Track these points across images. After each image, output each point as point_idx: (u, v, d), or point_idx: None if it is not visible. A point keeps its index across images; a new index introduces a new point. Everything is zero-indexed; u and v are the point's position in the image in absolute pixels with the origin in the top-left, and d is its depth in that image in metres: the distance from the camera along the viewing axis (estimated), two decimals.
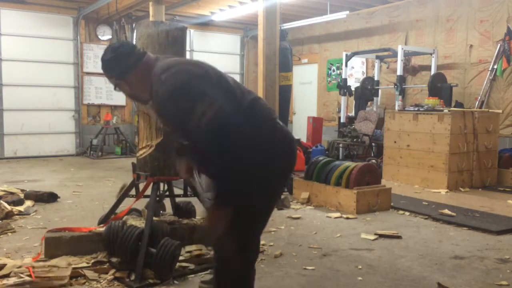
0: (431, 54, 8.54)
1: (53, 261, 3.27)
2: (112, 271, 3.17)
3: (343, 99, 9.59)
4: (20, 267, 3.15)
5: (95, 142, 10.21)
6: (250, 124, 2.02)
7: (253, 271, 2.24)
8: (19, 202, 5.15)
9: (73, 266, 3.18)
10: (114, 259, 3.24)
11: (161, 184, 3.62)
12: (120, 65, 2.10)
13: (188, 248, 3.47)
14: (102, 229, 3.46)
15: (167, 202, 4.12)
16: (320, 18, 9.81)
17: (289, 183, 6.06)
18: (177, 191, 3.93)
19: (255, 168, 2.02)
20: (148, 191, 3.51)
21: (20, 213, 4.87)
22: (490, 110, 7.18)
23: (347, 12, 9.39)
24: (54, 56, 10.06)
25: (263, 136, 2.06)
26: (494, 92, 7.93)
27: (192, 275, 3.22)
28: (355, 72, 10.56)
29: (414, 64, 9.13)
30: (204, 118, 1.87)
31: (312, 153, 8.60)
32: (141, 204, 3.79)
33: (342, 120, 9.51)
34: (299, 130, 11.64)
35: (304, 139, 10.05)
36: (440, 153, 6.42)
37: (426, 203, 5.53)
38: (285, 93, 7.29)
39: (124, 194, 3.83)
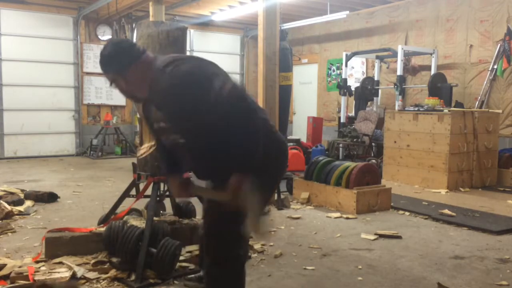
0: (431, 54, 8.54)
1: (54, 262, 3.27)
2: (113, 271, 3.17)
3: (343, 99, 9.59)
4: (20, 267, 3.15)
5: (95, 142, 10.22)
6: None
7: (244, 271, 2.24)
8: (19, 202, 5.15)
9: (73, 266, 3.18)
10: (114, 259, 3.24)
11: (162, 184, 3.62)
12: (118, 60, 2.08)
13: (188, 248, 3.47)
14: (102, 229, 3.47)
15: (167, 202, 4.12)
16: (320, 18, 9.81)
17: (289, 183, 6.07)
18: None
19: (269, 161, 2.08)
20: (149, 191, 3.51)
21: (20, 213, 4.87)
22: (490, 110, 7.18)
23: (347, 12, 9.39)
24: (54, 56, 10.05)
25: (274, 136, 2.18)
26: (494, 92, 7.93)
27: (193, 275, 3.22)
28: (355, 72, 10.56)
29: (414, 64, 9.13)
30: (223, 91, 1.89)
31: (312, 153, 8.60)
32: (141, 204, 3.80)
33: (342, 120, 9.50)
34: (299, 130, 11.64)
35: (304, 139, 10.05)
36: (440, 153, 6.42)
37: (426, 203, 5.53)
38: (285, 93, 7.29)
39: (124, 194, 3.83)
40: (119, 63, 2.08)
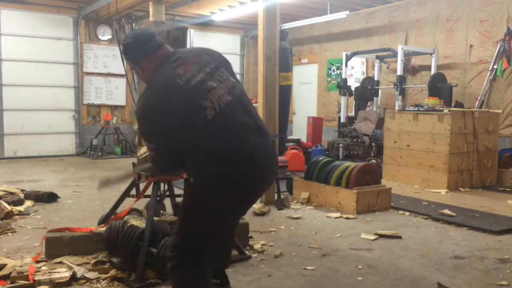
0: (431, 54, 8.54)
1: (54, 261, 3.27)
2: (113, 271, 3.17)
3: (343, 99, 9.59)
4: (20, 267, 3.15)
5: (95, 142, 10.22)
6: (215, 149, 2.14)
7: (202, 271, 2.26)
8: (19, 202, 5.15)
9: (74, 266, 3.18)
10: (114, 259, 3.24)
11: (162, 184, 3.62)
12: (136, 50, 2.25)
13: None
14: (102, 229, 3.47)
15: (167, 202, 4.12)
16: (320, 18, 9.81)
17: (289, 183, 6.07)
18: (178, 191, 3.93)
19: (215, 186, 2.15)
20: (149, 191, 3.51)
21: (20, 213, 4.87)
22: (490, 110, 7.18)
23: (347, 12, 9.38)
24: (54, 56, 10.05)
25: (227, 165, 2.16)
26: (494, 92, 7.93)
27: None
28: (355, 72, 10.55)
29: (414, 64, 9.13)
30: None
31: (312, 153, 8.60)
32: (142, 204, 3.80)
33: (342, 120, 9.51)
34: (299, 130, 11.64)
35: (304, 139, 10.05)
36: (440, 153, 6.42)
37: (426, 203, 5.53)
38: (285, 93, 7.31)
39: (124, 194, 3.83)
40: (135, 53, 2.26)
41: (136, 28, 2.46)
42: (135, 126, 3.80)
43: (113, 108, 10.84)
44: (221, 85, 2.21)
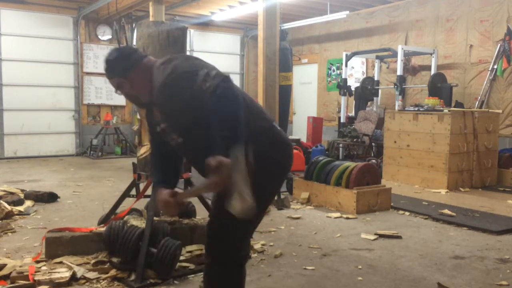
0: (431, 54, 8.54)
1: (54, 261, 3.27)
2: (113, 271, 3.17)
3: (343, 99, 9.59)
4: (20, 267, 3.15)
5: (95, 142, 10.22)
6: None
7: (244, 271, 2.22)
8: (19, 202, 5.15)
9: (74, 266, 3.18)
10: (114, 259, 3.24)
11: None
12: (123, 63, 2.20)
13: (188, 248, 3.47)
14: (102, 229, 3.47)
15: None
16: (320, 18, 9.81)
17: (289, 183, 6.07)
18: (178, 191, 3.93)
19: (264, 158, 2.02)
20: (149, 191, 3.51)
21: (20, 213, 4.87)
22: (490, 110, 7.18)
23: (347, 12, 9.39)
24: (54, 56, 10.06)
25: (272, 132, 2.14)
26: (494, 92, 7.93)
27: (193, 275, 3.22)
28: (355, 72, 10.56)
29: (414, 64, 9.13)
30: (211, 81, 1.86)
31: (312, 153, 8.60)
32: (142, 204, 3.80)
33: (342, 120, 9.51)
34: (299, 130, 11.64)
35: (304, 139, 10.05)
36: (440, 153, 6.42)
37: (426, 203, 5.53)
38: (285, 93, 7.30)
39: (124, 194, 3.83)
40: (122, 66, 2.20)
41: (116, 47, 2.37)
42: (135, 127, 3.80)
43: (113, 108, 10.84)
44: None
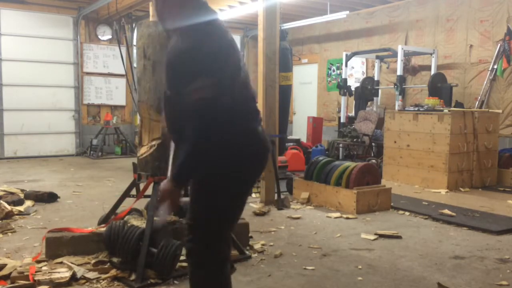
0: (431, 54, 8.54)
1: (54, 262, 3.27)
2: (113, 271, 3.17)
3: (343, 99, 9.59)
4: (20, 267, 3.15)
5: (95, 142, 10.22)
6: (235, 123, 2.09)
7: (226, 273, 2.21)
8: (19, 202, 5.15)
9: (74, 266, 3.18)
10: (115, 259, 3.24)
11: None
12: None
13: None
14: (102, 229, 3.47)
15: None
16: (320, 18, 9.81)
17: (289, 183, 6.07)
18: None
19: (224, 165, 2.09)
20: (149, 191, 3.51)
21: (20, 213, 4.87)
22: (490, 110, 7.19)
23: (347, 12, 9.38)
24: (54, 56, 10.06)
25: (242, 139, 2.13)
26: (494, 92, 7.93)
27: None
28: (355, 72, 10.56)
29: (414, 64, 9.13)
30: (197, 94, 1.95)
31: (312, 153, 8.60)
32: (142, 204, 3.80)
33: (342, 120, 9.51)
34: (299, 130, 11.64)
35: (304, 139, 10.05)
36: (440, 153, 6.42)
37: (426, 203, 5.53)
38: (285, 93, 7.31)
39: (124, 194, 3.83)
40: None
41: None
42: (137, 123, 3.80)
43: (113, 108, 10.84)
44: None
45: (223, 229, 2.19)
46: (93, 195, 6.00)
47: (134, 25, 10.71)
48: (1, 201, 4.80)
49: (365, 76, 10.22)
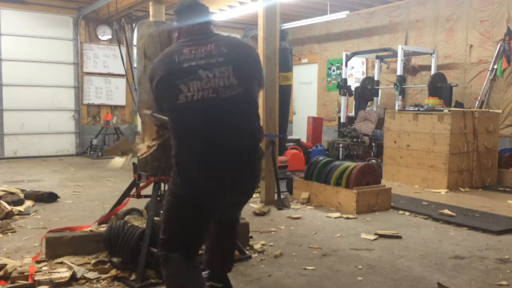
0: (431, 54, 8.54)
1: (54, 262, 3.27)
2: (113, 271, 3.17)
3: (343, 99, 9.59)
4: (20, 267, 3.15)
5: (95, 142, 10.21)
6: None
7: (181, 266, 2.36)
8: (19, 202, 5.15)
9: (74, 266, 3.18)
10: (115, 259, 3.24)
11: (162, 184, 3.62)
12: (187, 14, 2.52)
13: None
14: (102, 229, 3.47)
15: None
16: (320, 18, 9.81)
17: (289, 183, 6.07)
18: None
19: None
20: (149, 191, 3.50)
21: (20, 213, 4.87)
22: (490, 110, 7.18)
23: (347, 12, 9.38)
24: (54, 56, 10.05)
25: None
26: (494, 92, 7.93)
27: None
28: (355, 72, 10.56)
29: (414, 64, 9.13)
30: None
31: (312, 153, 8.60)
32: (142, 204, 3.80)
33: (342, 120, 9.51)
34: (299, 130, 11.64)
35: (304, 139, 10.05)
36: (440, 153, 6.42)
37: (426, 203, 5.53)
38: (285, 93, 7.30)
39: (124, 194, 3.83)
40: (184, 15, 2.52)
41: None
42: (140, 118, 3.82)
43: (113, 108, 10.84)
44: (212, 80, 2.26)
45: (175, 225, 2.41)
46: (93, 195, 6.00)
47: (134, 25, 10.70)
48: (1, 201, 4.80)
49: (365, 76, 10.22)
